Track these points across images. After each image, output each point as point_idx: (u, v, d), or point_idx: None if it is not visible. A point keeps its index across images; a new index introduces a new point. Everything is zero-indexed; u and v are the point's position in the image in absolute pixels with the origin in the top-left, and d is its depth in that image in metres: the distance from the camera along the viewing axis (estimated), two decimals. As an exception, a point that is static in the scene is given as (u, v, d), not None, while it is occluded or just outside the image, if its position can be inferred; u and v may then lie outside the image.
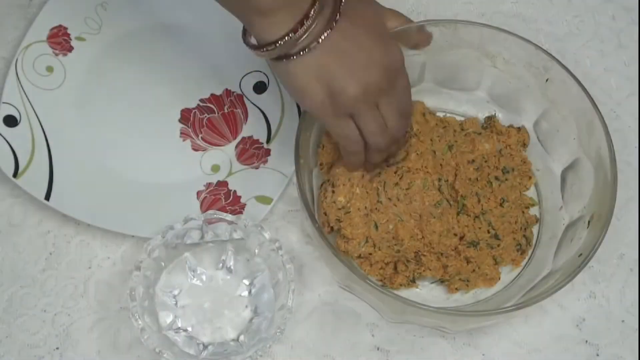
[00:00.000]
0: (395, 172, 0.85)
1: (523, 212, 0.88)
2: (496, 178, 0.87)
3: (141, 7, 0.97)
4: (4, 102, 0.90)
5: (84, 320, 0.84)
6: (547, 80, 0.87)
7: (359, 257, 0.84)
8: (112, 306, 0.85)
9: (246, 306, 0.84)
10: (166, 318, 0.83)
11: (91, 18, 0.96)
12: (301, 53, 0.71)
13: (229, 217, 0.84)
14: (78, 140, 0.91)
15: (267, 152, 0.91)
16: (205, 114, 0.93)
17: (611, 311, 0.87)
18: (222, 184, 0.90)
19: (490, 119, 0.92)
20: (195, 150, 0.92)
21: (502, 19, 1.00)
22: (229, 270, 0.85)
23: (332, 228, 0.85)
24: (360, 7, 0.75)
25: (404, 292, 0.85)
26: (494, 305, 0.84)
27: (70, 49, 0.95)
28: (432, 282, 0.87)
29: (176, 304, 0.84)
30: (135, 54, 0.96)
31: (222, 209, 0.87)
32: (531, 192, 0.90)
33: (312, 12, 0.70)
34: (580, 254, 0.79)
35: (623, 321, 0.86)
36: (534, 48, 0.86)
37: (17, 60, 0.92)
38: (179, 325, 0.83)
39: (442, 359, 0.84)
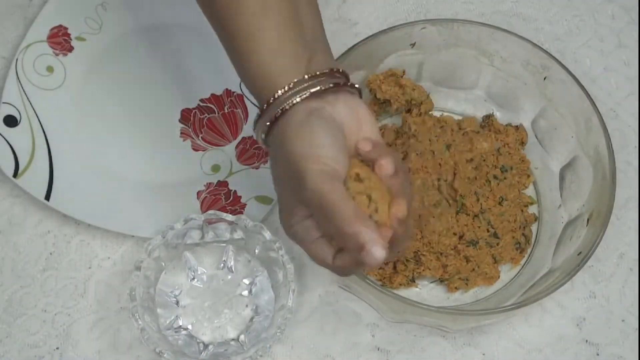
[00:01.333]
0: (396, 173, 0.85)
1: (522, 210, 0.88)
2: (495, 177, 0.87)
3: (141, 7, 0.97)
4: (4, 102, 0.90)
5: (84, 320, 0.84)
6: (545, 78, 0.87)
7: (359, 256, 0.84)
8: (112, 306, 0.85)
9: (246, 306, 0.84)
10: (166, 318, 0.83)
11: (91, 18, 0.96)
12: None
13: (229, 217, 0.84)
14: (78, 140, 0.91)
15: (268, 153, 0.91)
16: (206, 114, 0.93)
17: (611, 311, 0.87)
18: (223, 184, 0.90)
19: (488, 117, 0.92)
20: (196, 150, 0.92)
21: (502, 19, 1.00)
22: (230, 270, 0.85)
23: (330, 227, 0.85)
24: None
25: (404, 292, 0.85)
26: (493, 304, 0.84)
27: (71, 49, 0.95)
28: (431, 282, 0.87)
29: (177, 303, 0.84)
30: (135, 54, 0.96)
31: (223, 209, 0.87)
32: (530, 191, 0.90)
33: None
34: (580, 252, 0.79)
35: (623, 321, 0.86)
36: (531, 46, 0.86)
37: (17, 60, 0.92)
38: (180, 324, 0.83)
39: (443, 359, 0.84)
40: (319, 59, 0.70)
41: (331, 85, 0.68)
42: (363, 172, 0.66)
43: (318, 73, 0.68)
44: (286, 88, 0.67)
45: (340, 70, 0.70)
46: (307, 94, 0.67)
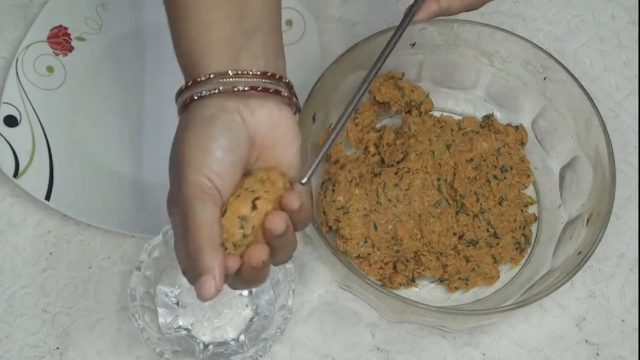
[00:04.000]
0: (396, 174, 0.85)
1: (522, 210, 0.88)
2: (495, 177, 0.87)
3: (141, 7, 0.97)
4: (4, 102, 0.91)
5: (84, 320, 0.84)
6: (545, 78, 0.87)
7: (358, 257, 0.84)
8: (112, 306, 0.85)
9: (246, 306, 0.84)
10: (166, 318, 0.83)
11: (91, 18, 0.96)
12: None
13: (229, 217, 0.84)
14: (78, 140, 0.91)
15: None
16: (206, 114, 0.93)
17: (611, 310, 0.87)
18: (222, 184, 0.90)
19: (488, 117, 0.92)
20: (196, 150, 0.92)
21: (502, 19, 1.00)
22: (229, 270, 0.85)
23: (330, 227, 0.85)
24: None
25: (404, 292, 0.85)
26: (493, 304, 0.84)
27: (71, 49, 0.95)
28: (431, 282, 0.87)
29: (177, 303, 0.84)
30: (135, 54, 0.96)
31: (223, 209, 0.87)
32: (530, 191, 0.90)
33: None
34: (580, 252, 0.79)
35: (623, 321, 0.86)
36: (531, 46, 0.86)
37: (17, 60, 0.92)
38: (180, 324, 0.83)
39: (443, 359, 0.84)
40: (255, 51, 0.65)
41: (247, 88, 0.63)
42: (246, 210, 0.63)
43: (245, 72, 0.64)
44: (204, 77, 0.63)
45: (277, 76, 0.65)
46: (216, 91, 0.63)
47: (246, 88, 0.63)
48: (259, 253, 0.62)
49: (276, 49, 0.67)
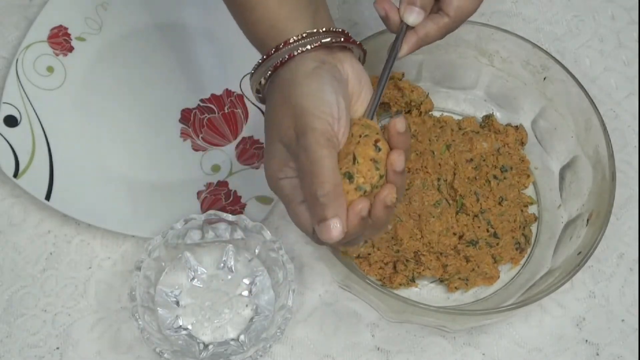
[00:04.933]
0: (396, 173, 0.85)
1: (522, 210, 0.88)
2: (495, 177, 0.87)
3: (141, 7, 0.97)
4: (4, 102, 0.91)
5: (84, 320, 0.84)
6: (544, 78, 0.87)
7: (358, 257, 0.84)
8: (112, 306, 0.85)
9: (246, 306, 0.84)
10: (166, 318, 0.83)
11: (91, 18, 0.96)
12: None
13: (230, 217, 0.84)
14: (78, 140, 0.91)
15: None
16: (206, 114, 0.93)
17: (611, 310, 0.87)
18: (223, 184, 0.90)
19: (488, 117, 0.92)
20: (196, 150, 0.92)
21: (502, 19, 1.00)
22: (230, 270, 0.85)
23: (330, 227, 0.85)
24: None
25: (404, 292, 0.85)
26: (493, 304, 0.84)
27: (71, 49, 0.95)
28: (431, 282, 0.87)
29: (177, 303, 0.84)
30: (135, 54, 0.96)
31: (223, 209, 0.87)
32: (530, 191, 0.90)
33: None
34: (580, 252, 0.79)
35: (623, 320, 0.86)
36: (531, 47, 0.87)
37: (17, 60, 0.93)
38: (180, 324, 0.83)
39: (443, 359, 0.84)
40: (323, 15, 0.71)
41: (342, 39, 0.68)
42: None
43: (331, 28, 0.68)
44: (297, 37, 0.67)
45: (347, 32, 0.70)
46: (318, 43, 0.67)
47: (342, 39, 0.68)
48: (391, 192, 0.66)
49: (327, 7, 0.73)
